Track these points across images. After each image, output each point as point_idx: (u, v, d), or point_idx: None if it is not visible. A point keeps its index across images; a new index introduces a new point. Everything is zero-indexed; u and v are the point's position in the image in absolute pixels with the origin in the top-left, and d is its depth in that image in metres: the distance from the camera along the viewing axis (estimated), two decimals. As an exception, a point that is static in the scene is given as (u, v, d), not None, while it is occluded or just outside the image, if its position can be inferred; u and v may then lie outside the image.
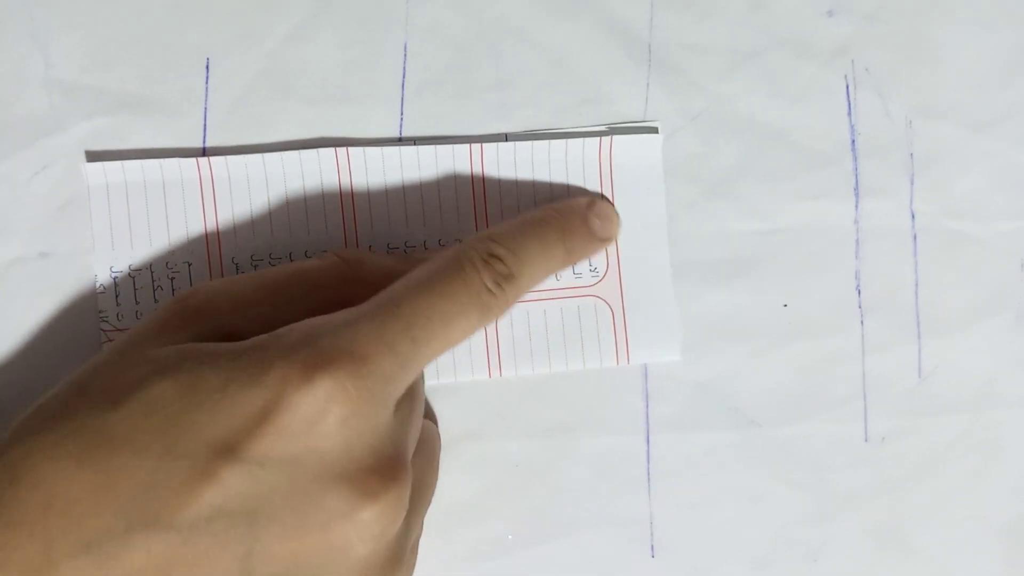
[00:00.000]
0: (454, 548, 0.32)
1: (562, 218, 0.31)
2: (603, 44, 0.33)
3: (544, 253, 0.29)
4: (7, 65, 0.32)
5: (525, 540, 0.33)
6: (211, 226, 0.32)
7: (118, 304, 0.32)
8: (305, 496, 0.25)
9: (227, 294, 0.28)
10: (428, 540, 0.31)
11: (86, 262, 0.32)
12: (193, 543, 0.24)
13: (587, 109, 0.33)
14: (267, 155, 0.32)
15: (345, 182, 0.32)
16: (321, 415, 0.25)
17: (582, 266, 0.32)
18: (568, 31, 0.33)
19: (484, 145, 0.32)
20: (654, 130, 0.33)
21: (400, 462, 0.26)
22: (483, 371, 0.32)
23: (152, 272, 0.32)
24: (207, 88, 0.32)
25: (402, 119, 0.32)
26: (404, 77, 0.32)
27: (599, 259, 0.32)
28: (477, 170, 0.32)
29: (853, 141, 0.33)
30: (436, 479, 0.31)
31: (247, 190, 0.32)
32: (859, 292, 0.33)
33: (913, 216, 0.33)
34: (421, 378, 0.29)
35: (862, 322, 0.33)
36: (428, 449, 0.31)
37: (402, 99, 0.32)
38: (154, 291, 0.32)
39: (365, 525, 0.25)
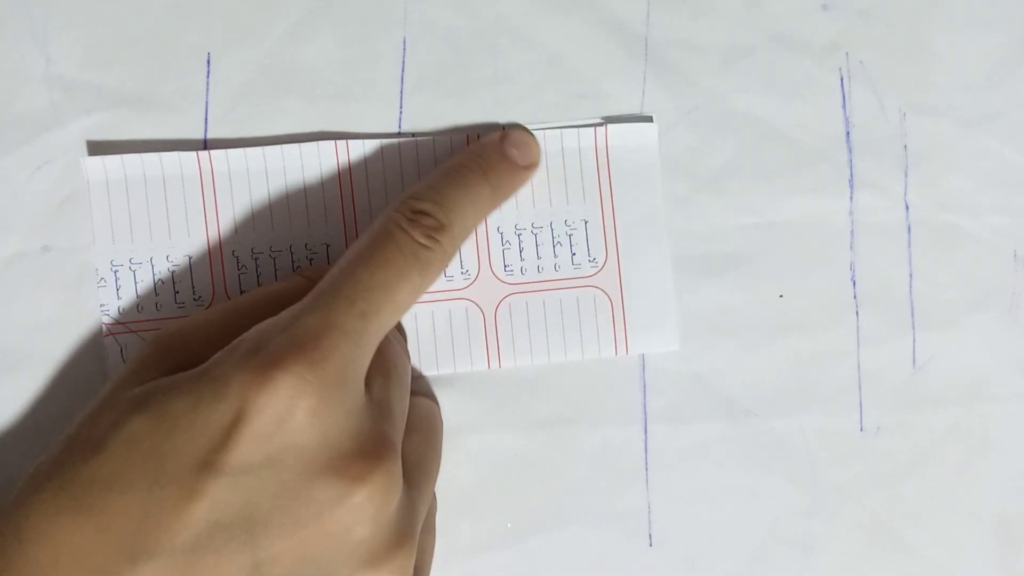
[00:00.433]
0: (453, 539, 0.32)
1: (479, 157, 0.31)
2: (600, 41, 0.33)
3: (469, 195, 0.30)
4: (7, 62, 0.32)
5: (523, 531, 0.33)
6: (211, 219, 0.32)
7: (119, 298, 0.32)
8: (294, 492, 0.25)
9: (197, 328, 0.29)
10: (427, 531, 0.31)
11: (87, 256, 0.32)
12: (198, 562, 0.25)
13: (584, 105, 0.33)
14: (267, 148, 0.32)
15: (344, 175, 0.32)
16: (289, 411, 0.25)
17: (581, 256, 0.33)
18: (565, 28, 0.33)
19: (481, 136, 0.32)
20: (649, 119, 0.33)
21: (382, 440, 0.26)
22: (482, 362, 0.32)
23: (153, 266, 0.32)
24: (208, 84, 0.32)
25: (401, 115, 0.33)
26: (403, 73, 0.33)
27: (598, 249, 0.33)
28: (476, 162, 0.32)
29: (848, 135, 0.33)
30: (438, 455, 0.31)
31: (247, 183, 0.32)
32: (854, 285, 0.33)
33: (907, 209, 0.33)
34: (398, 354, 0.29)
35: (857, 315, 0.33)
36: (426, 426, 0.31)
37: (401, 95, 0.33)
38: (155, 285, 0.32)
39: (359, 507, 0.25)
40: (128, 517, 0.25)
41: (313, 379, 0.25)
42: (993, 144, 0.33)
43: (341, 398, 0.26)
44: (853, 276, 0.33)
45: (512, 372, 0.33)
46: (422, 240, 0.28)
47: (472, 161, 0.30)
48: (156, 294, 0.32)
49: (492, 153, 0.31)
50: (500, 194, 0.31)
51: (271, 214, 0.32)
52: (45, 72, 0.32)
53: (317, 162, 0.32)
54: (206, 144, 0.32)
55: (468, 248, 0.32)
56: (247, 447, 0.25)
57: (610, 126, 0.32)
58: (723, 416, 0.33)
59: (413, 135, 0.33)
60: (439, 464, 0.31)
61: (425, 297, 0.32)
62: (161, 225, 0.32)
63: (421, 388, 0.32)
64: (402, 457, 0.28)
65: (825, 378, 0.33)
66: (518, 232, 0.32)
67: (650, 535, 0.33)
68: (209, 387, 0.25)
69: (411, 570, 0.27)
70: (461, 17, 0.33)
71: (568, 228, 0.32)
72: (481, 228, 0.32)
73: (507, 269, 0.32)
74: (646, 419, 0.33)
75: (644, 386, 0.33)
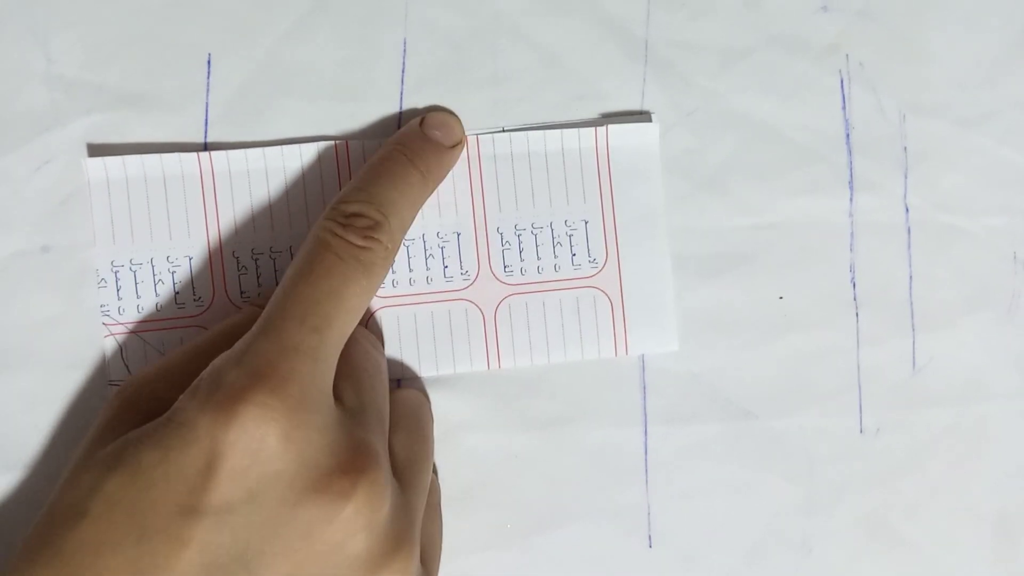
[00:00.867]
0: (452, 538, 0.32)
1: (402, 146, 0.30)
2: (599, 41, 0.33)
3: (399, 187, 0.29)
4: (8, 61, 0.32)
5: (523, 531, 0.33)
6: (211, 220, 0.32)
7: (119, 298, 0.32)
8: (281, 520, 0.25)
9: (160, 375, 0.29)
10: (427, 531, 0.31)
11: (87, 256, 0.32)
12: None
13: (583, 105, 0.33)
14: (267, 149, 0.32)
15: (345, 175, 0.32)
16: (260, 442, 0.25)
17: (581, 257, 0.33)
18: (564, 28, 0.33)
19: (480, 137, 0.32)
20: (649, 119, 0.33)
21: (362, 450, 0.26)
22: (482, 363, 0.32)
23: (153, 266, 0.32)
24: (208, 84, 0.32)
25: (401, 115, 0.33)
26: (403, 73, 0.33)
27: (598, 249, 0.33)
28: (474, 162, 0.32)
29: (847, 135, 0.33)
30: (429, 447, 0.31)
31: (247, 184, 0.32)
32: (854, 285, 0.33)
33: (907, 210, 0.33)
34: (365, 354, 0.29)
35: (856, 315, 0.33)
36: (412, 419, 0.31)
37: (401, 95, 0.33)
38: (155, 285, 0.32)
39: (348, 522, 0.25)
40: (122, 575, 0.24)
41: (278, 404, 0.25)
42: (992, 144, 0.33)
43: (310, 417, 0.25)
44: (853, 276, 0.33)
45: (512, 372, 0.33)
46: (359, 243, 0.27)
47: (396, 152, 0.30)
48: (156, 294, 0.32)
49: (415, 139, 0.31)
50: (432, 179, 0.31)
51: (271, 214, 0.32)
52: (46, 72, 0.32)
53: (317, 162, 0.32)
54: (206, 144, 0.32)
55: (468, 249, 0.32)
56: (226, 486, 0.25)
57: (611, 126, 0.32)
58: (722, 416, 0.33)
59: (413, 135, 0.33)
60: (431, 455, 0.31)
61: (425, 298, 0.32)
62: (161, 225, 0.32)
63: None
64: (391, 455, 0.28)
65: (824, 378, 0.33)
66: (518, 232, 0.32)
67: (649, 535, 0.33)
68: (176, 433, 0.25)
69: (414, 567, 0.27)
70: (461, 17, 0.33)
71: (568, 228, 0.33)
72: (481, 228, 0.32)
73: (507, 269, 0.32)
74: (646, 419, 0.33)
75: (644, 386, 0.33)
